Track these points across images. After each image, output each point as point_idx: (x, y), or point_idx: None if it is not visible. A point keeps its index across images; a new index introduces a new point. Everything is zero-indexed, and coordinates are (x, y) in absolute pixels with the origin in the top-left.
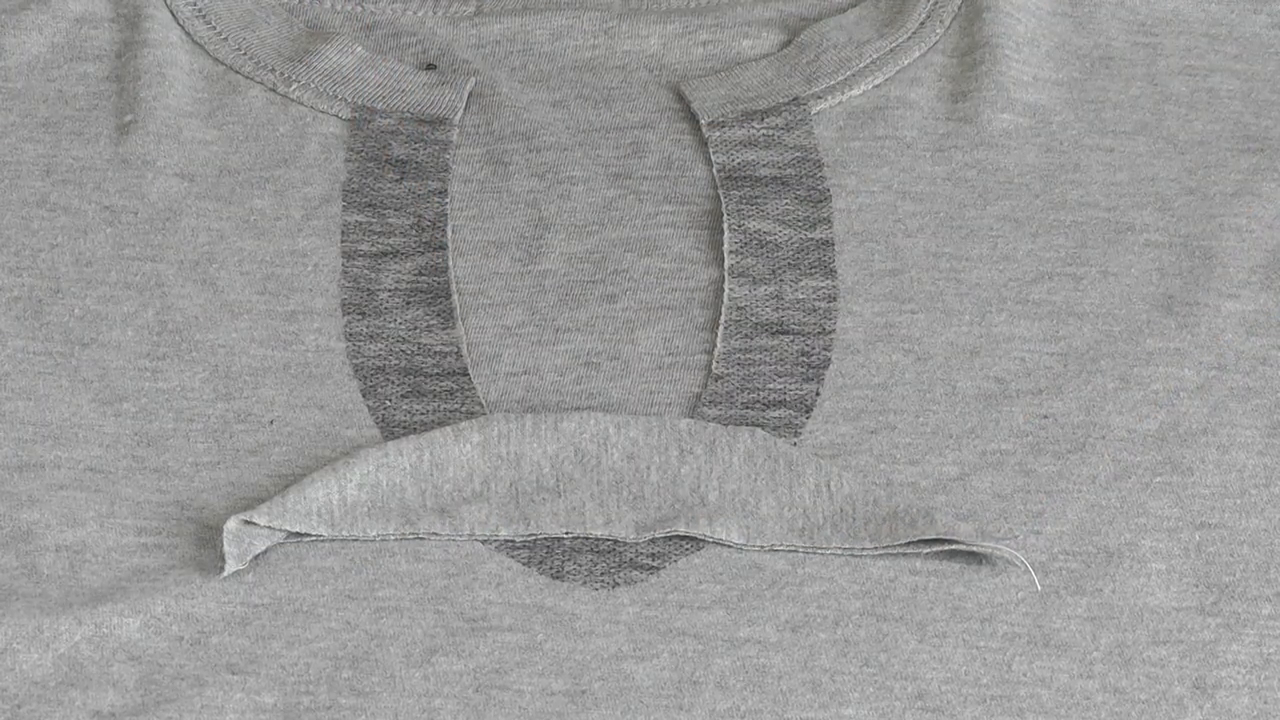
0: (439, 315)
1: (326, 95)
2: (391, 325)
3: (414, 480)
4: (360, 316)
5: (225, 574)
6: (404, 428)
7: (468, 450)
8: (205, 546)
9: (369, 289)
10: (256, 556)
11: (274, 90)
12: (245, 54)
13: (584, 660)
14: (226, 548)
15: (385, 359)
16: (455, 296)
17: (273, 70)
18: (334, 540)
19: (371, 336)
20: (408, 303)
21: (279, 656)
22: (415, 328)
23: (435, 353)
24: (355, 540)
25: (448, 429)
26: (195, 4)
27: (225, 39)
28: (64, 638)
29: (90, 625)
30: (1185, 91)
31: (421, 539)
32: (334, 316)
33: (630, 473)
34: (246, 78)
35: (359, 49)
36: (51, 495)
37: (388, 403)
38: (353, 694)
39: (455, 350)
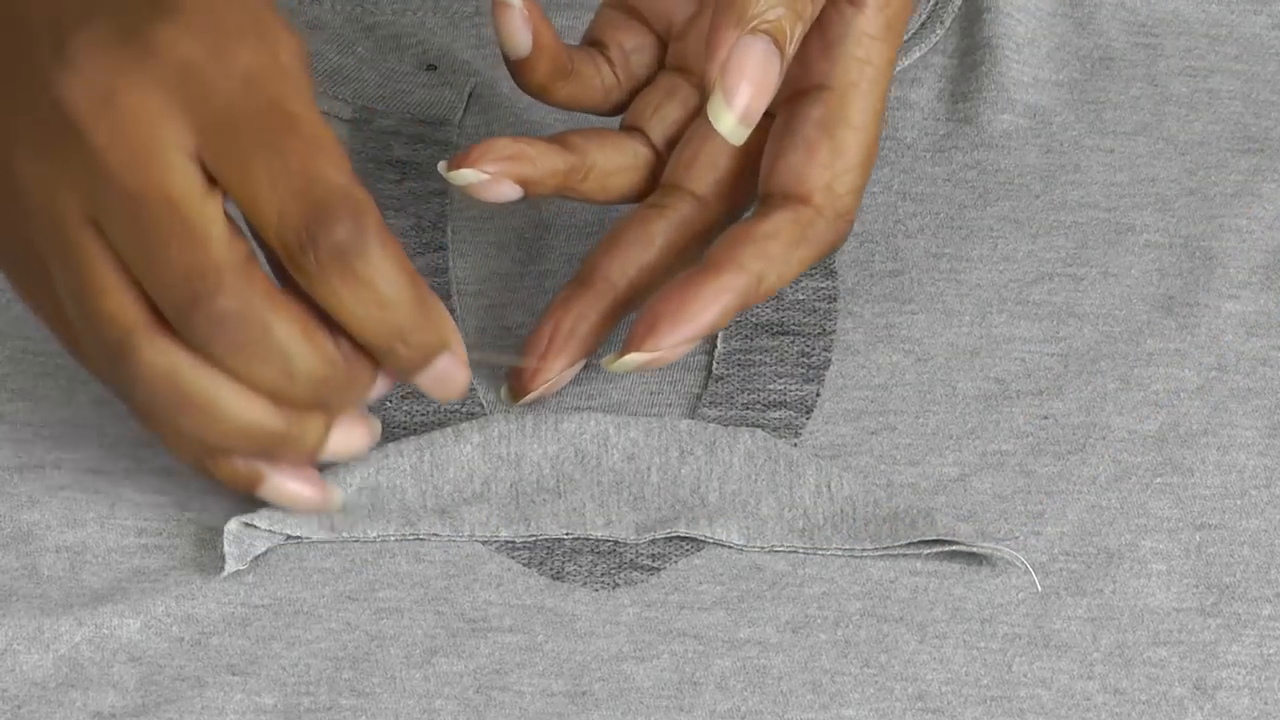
0: None
1: (326, 95)
2: None
3: (414, 481)
4: None
5: (225, 575)
6: (404, 428)
7: (468, 451)
8: (205, 547)
9: None
10: (257, 557)
11: None
12: None
13: (584, 661)
14: (227, 549)
15: None
16: (455, 297)
17: None
18: (334, 541)
19: None
20: None
21: (279, 657)
22: None
23: None
24: (355, 541)
25: (448, 429)
26: None
27: None
28: (64, 638)
29: (91, 626)
30: (1185, 92)
31: (421, 540)
32: None
33: (630, 473)
34: None
35: (359, 49)
36: (52, 496)
37: (388, 403)
38: (353, 695)
39: None
